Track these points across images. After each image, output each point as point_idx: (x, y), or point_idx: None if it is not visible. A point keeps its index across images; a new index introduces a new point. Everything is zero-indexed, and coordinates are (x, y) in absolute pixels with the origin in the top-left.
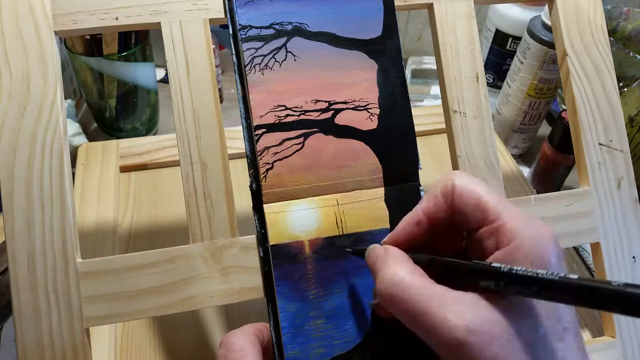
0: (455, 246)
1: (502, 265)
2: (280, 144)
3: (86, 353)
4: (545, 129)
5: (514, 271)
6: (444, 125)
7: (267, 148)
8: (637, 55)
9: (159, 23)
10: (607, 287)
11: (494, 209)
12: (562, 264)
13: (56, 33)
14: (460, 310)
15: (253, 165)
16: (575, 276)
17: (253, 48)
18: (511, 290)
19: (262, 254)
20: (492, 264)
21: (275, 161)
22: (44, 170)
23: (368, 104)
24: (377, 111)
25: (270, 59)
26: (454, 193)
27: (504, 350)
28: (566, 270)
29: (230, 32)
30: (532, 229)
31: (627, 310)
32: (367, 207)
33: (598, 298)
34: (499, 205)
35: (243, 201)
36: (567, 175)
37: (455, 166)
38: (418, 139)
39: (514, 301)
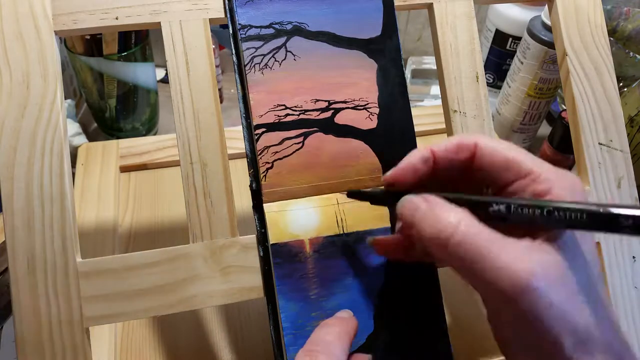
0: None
1: (542, 200)
2: (280, 143)
3: (86, 353)
4: (545, 129)
5: (552, 205)
6: (444, 125)
7: (267, 147)
8: (637, 55)
9: (159, 23)
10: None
11: (524, 163)
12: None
13: (56, 33)
14: (520, 254)
15: (253, 165)
16: (604, 206)
17: (253, 48)
18: (557, 226)
19: (262, 254)
20: (534, 200)
21: (275, 160)
22: (44, 170)
23: (368, 104)
24: (377, 111)
25: (270, 58)
26: (476, 150)
27: (559, 292)
28: None
29: (230, 31)
30: (566, 178)
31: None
32: (367, 206)
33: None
34: (529, 159)
35: (243, 201)
36: None
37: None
38: (418, 139)
39: (564, 244)
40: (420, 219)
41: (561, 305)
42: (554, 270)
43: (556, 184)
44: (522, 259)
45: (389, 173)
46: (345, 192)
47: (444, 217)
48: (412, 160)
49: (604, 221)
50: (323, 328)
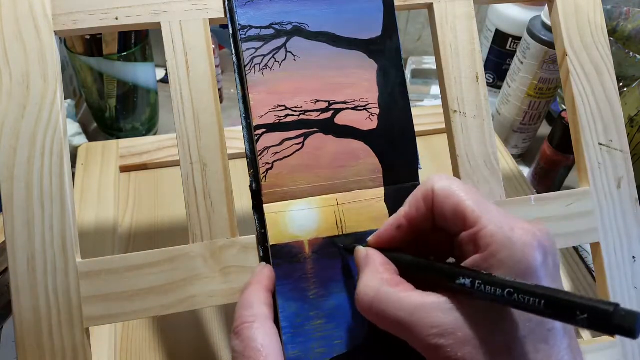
0: (449, 244)
1: (472, 272)
2: (280, 144)
3: (86, 353)
4: (545, 129)
5: (479, 284)
6: (444, 125)
7: (267, 148)
8: (637, 55)
9: (159, 23)
10: (571, 300)
11: (473, 214)
12: (549, 263)
13: (56, 33)
14: (433, 317)
15: (253, 165)
16: (538, 300)
17: (253, 48)
18: (480, 298)
19: (262, 254)
20: (465, 270)
21: (275, 161)
22: (44, 170)
23: (368, 104)
24: (377, 111)
25: (270, 59)
26: (433, 198)
27: (476, 351)
28: (555, 270)
29: (230, 32)
30: (511, 233)
31: (591, 324)
32: (367, 207)
33: (561, 314)
34: (477, 209)
35: (243, 201)
36: (567, 175)
37: (455, 166)
38: (418, 139)
39: (489, 305)
40: (360, 271)
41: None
42: (467, 330)
43: (498, 241)
44: (433, 321)
45: (371, 238)
46: (342, 246)
47: (366, 281)
48: (387, 228)
49: (560, 311)
50: (240, 297)
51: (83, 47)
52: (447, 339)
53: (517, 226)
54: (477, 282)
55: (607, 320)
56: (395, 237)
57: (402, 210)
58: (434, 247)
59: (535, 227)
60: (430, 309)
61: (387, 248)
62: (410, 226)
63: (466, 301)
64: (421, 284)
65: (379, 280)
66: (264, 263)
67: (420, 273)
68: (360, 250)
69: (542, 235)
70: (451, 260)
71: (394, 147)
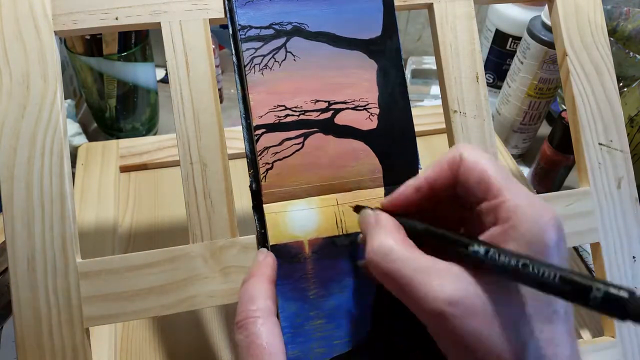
0: (458, 218)
1: (481, 249)
2: (280, 144)
3: (86, 353)
4: (545, 129)
5: (493, 252)
6: (444, 125)
7: (267, 148)
8: (637, 55)
9: (159, 23)
10: (587, 278)
11: (497, 185)
12: (562, 247)
13: (56, 33)
14: (443, 282)
15: (253, 165)
16: (555, 275)
17: (253, 48)
18: (492, 269)
19: None
20: (477, 243)
21: (275, 161)
22: (44, 170)
23: (368, 104)
24: (377, 111)
25: (270, 59)
26: (460, 164)
27: (485, 324)
28: (565, 255)
29: (230, 32)
30: (533, 209)
31: (605, 305)
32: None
33: (576, 297)
34: (502, 181)
35: (243, 201)
36: (567, 175)
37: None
38: (418, 139)
39: (498, 279)
40: (368, 234)
41: (483, 332)
42: (477, 302)
43: (519, 214)
44: (444, 287)
45: (385, 200)
46: (353, 207)
47: (379, 239)
48: (406, 189)
49: (576, 293)
50: (241, 289)
51: (83, 47)
52: (455, 308)
53: (539, 205)
54: (491, 250)
55: (622, 304)
56: (411, 200)
57: (424, 173)
58: (442, 221)
59: (553, 209)
60: (443, 273)
61: (397, 213)
62: (430, 190)
63: (478, 273)
64: (431, 254)
65: (392, 238)
66: (264, 250)
67: (432, 241)
68: (369, 212)
69: (559, 218)
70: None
71: (394, 147)
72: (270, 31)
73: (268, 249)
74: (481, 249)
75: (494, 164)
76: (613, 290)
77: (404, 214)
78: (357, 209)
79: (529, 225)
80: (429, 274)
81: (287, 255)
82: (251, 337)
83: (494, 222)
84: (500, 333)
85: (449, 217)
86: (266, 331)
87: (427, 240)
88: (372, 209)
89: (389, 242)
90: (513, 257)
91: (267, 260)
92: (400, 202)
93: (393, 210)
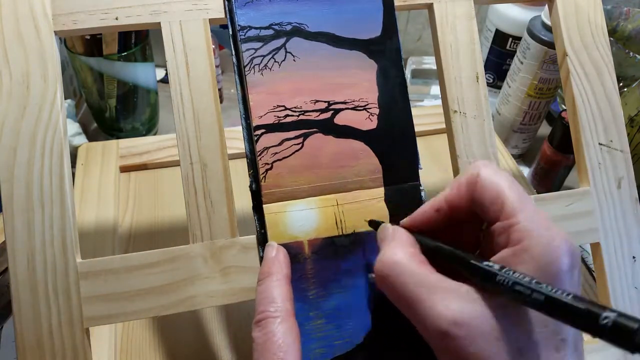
0: (476, 240)
1: (496, 266)
2: (280, 144)
3: (86, 353)
4: (545, 129)
5: (505, 276)
6: (444, 125)
7: (267, 148)
8: (637, 55)
9: (159, 23)
10: (594, 314)
11: (512, 206)
12: (575, 274)
13: (56, 33)
14: (449, 301)
15: (253, 166)
16: (568, 294)
17: (252, 49)
18: (501, 289)
19: (262, 254)
20: (488, 263)
21: (275, 161)
22: (44, 170)
23: (368, 104)
24: (377, 111)
25: (270, 59)
26: (477, 183)
27: (490, 347)
28: (578, 282)
29: (230, 32)
30: (546, 232)
31: (615, 342)
32: (367, 207)
33: (583, 323)
34: (517, 202)
35: (243, 201)
36: (567, 175)
37: (455, 166)
38: (418, 139)
39: (507, 303)
40: (382, 247)
41: (486, 356)
42: (484, 323)
43: (532, 237)
44: (450, 306)
45: (405, 220)
46: (368, 221)
47: (391, 251)
48: (426, 209)
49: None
50: (260, 287)
51: (83, 47)
52: (460, 329)
53: (553, 229)
54: (497, 266)
55: (631, 334)
56: (431, 220)
57: (444, 194)
58: (461, 243)
59: (569, 237)
60: (450, 292)
61: (414, 231)
62: (449, 210)
63: (487, 295)
64: (444, 273)
65: (403, 252)
66: (274, 244)
67: (445, 260)
68: (388, 226)
69: (573, 245)
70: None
71: (394, 147)
72: (270, 31)
73: None
74: (495, 267)
75: (511, 183)
76: (623, 320)
77: (422, 233)
78: (372, 224)
79: (541, 248)
80: (436, 291)
81: None
82: (268, 335)
83: (506, 243)
84: (504, 358)
85: (468, 239)
86: (283, 330)
87: (442, 260)
88: (391, 224)
89: (399, 256)
90: (522, 277)
91: (281, 258)
92: (419, 221)
93: (412, 230)
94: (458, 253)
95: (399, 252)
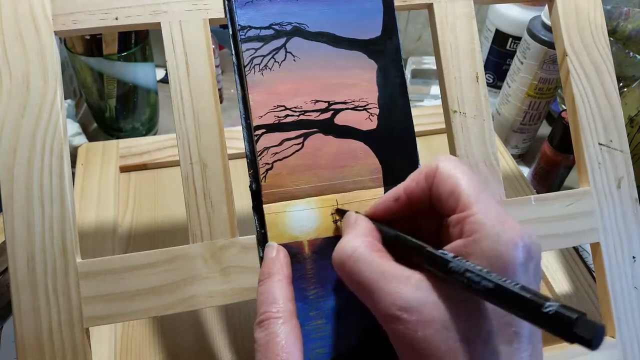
0: (435, 230)
1: (449, 254)
2: (280, 144)
3: (86, 353)
4: (545, 129)
5: (457, 263)
6: (444, 125)
7: (267, 148)
8: (637, 55)
9: (159, 23)
10: (537, 304)
11: (467, 199)
12: (530, 268)
13: (56, 33)
14: (401, 288)
15: (253, 166)
16: (516, 284)
17: (252, 49)
18: (451, 281)
19: (261, 254)
20: (442, 251)
21: (275, 161)
22: (44, 170)
23: (368, 104)
24: (377, 111)
25: (270, 59)
26: (435, 176)
27: (437, 335)
28: (536, 278)
29: (230, 32)
30: (499, 226)
31: (556, 332)
32: (367, 207)
33: (527, 312)
34: (473, 195)
35: (243, 201)
36: (567, 175)
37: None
38: (418, 139)
39: (460, 292)
40: (343, 234)
41: (434, 343)
42: (433, 311)
43: (484, 230)
44: (400, 293)
45: (368, 209)
46: (334, 209)
47: (348, 239)
48: (385, 199)
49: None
50: (261, 287)
51: (83, 47)
52: (410, 314)
53: (508, 223)
54: (456, 260)
55: (569, 325)
56: (391, 209)
57: (403, 183)
58: (423, 233)
59: (527, 231)
60: (402, 280)
61: (377, 220)
62: (408, 200)
63: (441, 284)
64: (403, 263)
65: (360, 241)
66: (274, 244)
67: (401, 248)
68: (351, 214)
69: (530, 240)
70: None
71: (394, 147)
72: (270, 31)
73: None
74: (444, 254)
75: (469, 177)
76: (564, 310)
77: (385, 222)
78: (339, 212)
79: (491, 241)
80: (389, 278)
81: None
82: (271, 336)
83: (459, 235)
84: (451, 346)
85: (428, 230)
86: (286, 331)
87: (401, 249)
88: (355, 212)
89: (356, 243)
90: (474, 266)
91: (282, 259)
92: (380, 210)
93: (374, 218)
94: (414, 241)
95: (357, 241)
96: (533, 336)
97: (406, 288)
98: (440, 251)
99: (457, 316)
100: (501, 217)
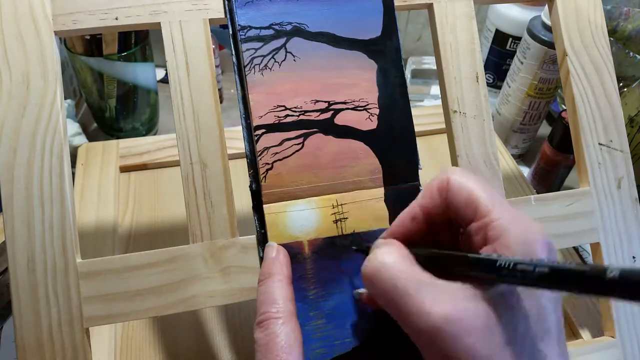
0: (452, 243)
1: (494, 255)
2: (280, 144)
3: (86, 353)
4: (545, 129)
5: (505, 259)
6: (444, 125)
7: (267, 148)
8: (637, 55)
9: (159, 23)
10: (600, 271)
11: (485, 205)
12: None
13: (56, 33)
14: (440, 297)
15: (253, 166)
16: (570, 262)
17: (253, 49)
18: (503, 279)
19: (261, 254)
20: (483, 254)
21: (275, 161)
22: (44, 170)
23: (368, 104)
24: (377, 111)
25: (270, 59)
26: (448, 188)
27: (482, 342)
28: None
29: (230, 32)
30: (521, 226)
31: (625, 295)
32: (367, 207)
33: (591, 284)
34: (490, 201)
35: (243, 201)
36: (567, 175)
37: (455, 166)
38: (418, 139)
39: (498, 295)
40: (371, 253)
41: (480, 352)
42: (475, 319)
43: (508, 232)
44: (440, 302)
45: (384, 233)
46: (355, 248)
47: (380, 253)
48: (402, 219)
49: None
50: (261, 288)
51: (83, 47)
52: (451, 325)
53: (528, 223)
54: (502, 258)
55: (638, 284)
56: (410, 229)
57: (417, 202)
58: (445, 242)
59: (541, 226)
60: (441, 289)
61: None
62: (425, 217)
63: (479, 291)
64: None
65: (392, 254)
66: (274, 244)
67: (439, 264)
68: (379, 240)
69: (549, 237)
70: None
71: (394, 147)
72: (270, 31)
73: None
74: (487, 255)
75: (481, 185)
76: (628, 271)
77: (406, 244)
78: (358, 249)
79: (518, 243)
80: (426, 287)
81: None
82: (271, 336)
83: (483, 242)
84: (496, 352)
85: (444, 242)
86: (286, 331)
87: (433, 267)
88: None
89: (388, 257)
90: (518, 259)
91: (282, 259)
92: (399, 232)
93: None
94: (452, 253)
95: (388, 254)
96: (560, 334)
97: (445, 297)
98: (483, 254)
99: (495, 321)
100: (520, 218)
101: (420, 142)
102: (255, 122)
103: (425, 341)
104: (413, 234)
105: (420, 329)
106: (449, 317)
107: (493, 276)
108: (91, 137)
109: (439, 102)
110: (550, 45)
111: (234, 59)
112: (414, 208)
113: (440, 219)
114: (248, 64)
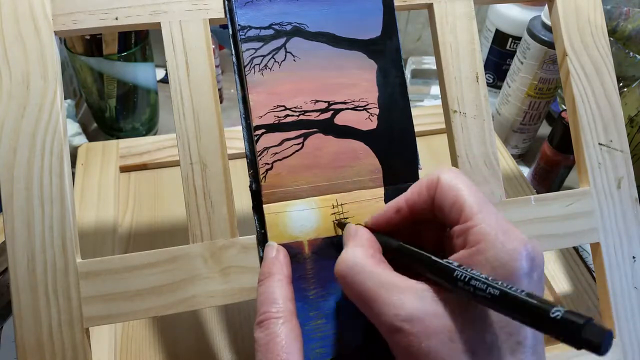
0: (438, 242)
1: (454, 263)
2: (280, 144)
3: (86, 353)
4: (545, 129)
5: (462, 272)
6: (444, 125)
7: (267, 148)
8: (637, 55)
9: (159, 23)
10: (544, 310)
11: (470, 209)
12: (534, 277)
13: (56, 33)
14: (404, 299)
15: (253, 166)
16: (522, 291)
17: (252, 49)
18: (456, 290)
19: (261, 254)
20: (447, 260)
21: (275, 161)
22: (44, 170)
23: (367, 104)
24: (377, 111)
25: (270, 59)
26: (437, 187)
27: (442, 347)
28: (539, 286)
29: (230, 32)
30: (503, 236)
31: (564, 338)
32: (367, 207)
33: (534, 318)
34: (476, 205)
35: (243, 201)
36: (567, 175)
37: (455, 166)
38: (418, 139)
39: (466, 302)
40: (344, 246)
41: (439, 354)
42: (437, 322)
43: (488, 240)
44: (404, 303)
45: (368, 219)
46: (336, 221)
47: (350, 251)
48: (387, 210)
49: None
50: (261, 287)
51: (83, 47)
52: (413, 325)
53: (511, 232)
54: (461, 269)
55: (577, 330)
56: (392, 220)
57: (404, 195)
58: (429, 239)
59: (530, 240)
60: (405, 290)
61: (379, 231)
62: (410, 211)
63: (444, 294)
64: (405, 274)
65: (362, 252)
66: (274, 244)
67: (403, 259)
68: (351, 226)
69: (533, 248)
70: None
71: (394, 147)
72: (270, 31)
73: None
74: (449, 262)
75: (471, 188)
76: (571, 316)
77: (386, 233)
78: (340, 224)
79: (495, 251)
80: (391, 288)
81: None
82: (271, 336)
83: (463, 245)
84: (455, 357)
85: (430, 242)
86: (286, 331)
87: (403, 261)
88: (356, 224)
89: (357, 255)
90: (479, 274)
91: (282, 259)
92: (381, 221)
93: (375, 229)
94: (418, 252)
95: (358, 253)
96: (537, 346)
97: (408, 298)
98: (445, 260)
99: (461, 327)
100: (504, 226)
101: (420, 142)
102: (255, 122)
103: (392, 341)
104: (396, 225)
105: (386, 327)
106: (410, 318)
107: (447, 285)
108: (91, 137)
109: (439, 102)
110: (550, 45)
111: (234, 59)
112: (399, 201)
113: (425, 217)
114: (248, 64)
